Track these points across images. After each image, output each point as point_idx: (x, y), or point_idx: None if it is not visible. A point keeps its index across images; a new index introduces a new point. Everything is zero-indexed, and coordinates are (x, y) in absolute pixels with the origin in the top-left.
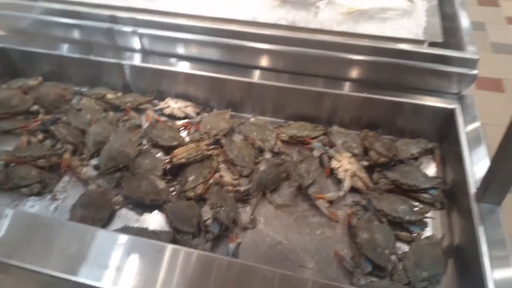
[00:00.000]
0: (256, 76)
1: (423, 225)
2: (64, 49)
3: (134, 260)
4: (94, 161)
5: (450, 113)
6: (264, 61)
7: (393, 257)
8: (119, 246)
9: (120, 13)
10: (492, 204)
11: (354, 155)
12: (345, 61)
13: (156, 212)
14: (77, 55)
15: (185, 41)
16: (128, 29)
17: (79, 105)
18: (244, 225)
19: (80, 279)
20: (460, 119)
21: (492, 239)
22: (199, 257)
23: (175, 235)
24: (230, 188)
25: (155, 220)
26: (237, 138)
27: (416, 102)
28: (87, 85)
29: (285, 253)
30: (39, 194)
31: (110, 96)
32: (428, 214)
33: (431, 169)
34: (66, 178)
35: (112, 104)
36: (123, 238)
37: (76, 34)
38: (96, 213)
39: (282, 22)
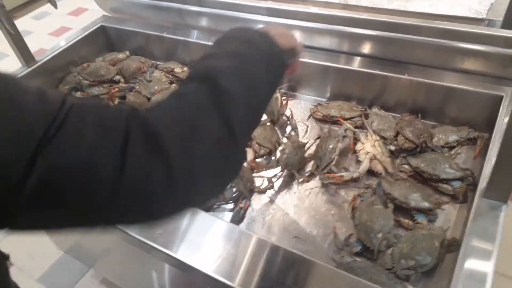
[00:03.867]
0: (303, 56)
1: (432, 216)
2: (148, 28)
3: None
4: None
5: (499, 101)
6: (310, 40)
7: (384, 242)
8: None
9: None
10: (496, 200)
11: (383, 138)
12: (390, 41)
13: None
14: (154, 33)
15: (244, 21)
16: (194, 8)
17: (151, 77)
18: (261, 189)
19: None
20: (504, 107)
21: (480, 237)
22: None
23: None
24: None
25: None
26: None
27: (462, 87)
28: (163, 59)
29: (286, 224)
30: None
31: (177, 70)
32: (445, 207)
33: (469, 160)
34: None
35: (177, 77)
36: None
37: (158, 15)
38: None
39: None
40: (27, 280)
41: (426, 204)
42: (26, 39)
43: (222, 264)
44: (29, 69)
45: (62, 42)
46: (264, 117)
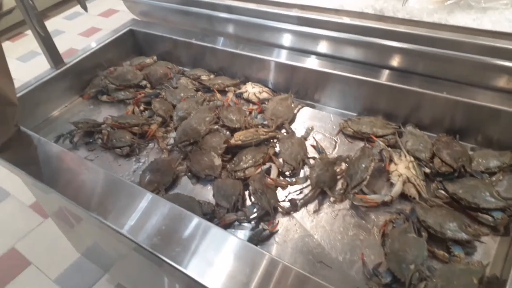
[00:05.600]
0: (333, 67)
1: (470, 248)
2: (176, 33)
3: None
4: (174, 134)
5: None
6: (341, 51)
7: (417, 274)
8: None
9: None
10: None
11: (418, 159)
12: (428, 56)
13: (209, 186)
14: (182, 39)
15: (274, 29)
16: (223, 15)
17: (177, 84)
18: (286, 209)
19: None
20: None
21: None
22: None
23: (214, 208)
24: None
25: (205, 192)
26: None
27: (506, 109)
28: (190, 66)
29: (311, 247)
30: (127, 156)
31: (204, 77)
32: (485, 239)
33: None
34: (151, 145)
35: (204, 85)
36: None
37: (187, 21)
38: (161, 178)
39: (369, 10)
40: (44, 280)
41: (464, 236)
42: (57, 38)
43: (231, 284)
44: (57, 71)
45: (92, 44)
46: (293, 127)
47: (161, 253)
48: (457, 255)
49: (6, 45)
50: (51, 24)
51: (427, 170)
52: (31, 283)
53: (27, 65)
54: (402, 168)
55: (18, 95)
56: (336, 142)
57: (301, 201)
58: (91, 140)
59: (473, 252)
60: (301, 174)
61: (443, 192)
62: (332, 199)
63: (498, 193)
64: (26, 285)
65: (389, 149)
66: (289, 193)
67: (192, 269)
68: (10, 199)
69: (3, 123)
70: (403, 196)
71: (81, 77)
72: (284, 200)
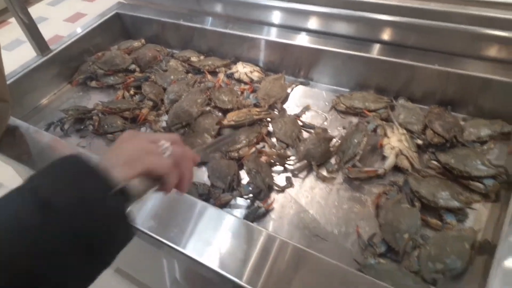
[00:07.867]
0: (324, 43)
1: (462, 216)
2: (163, 15)
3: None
4: (166, 117)
5: None
6: (331, 26)
7: (411, 243)
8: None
9: None
10: None
11: (410, 132)
12: (418, 28)
13: (204, 168)
14: (170, 20)
15: (263, 7)
16: None
17: (167, 66)
18: (281, 187)
19: None
20: None
21: None
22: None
23: (210, 188)
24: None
25: (200, 174)
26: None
27: (496, 78)
28: (179, 48)
29: (307, 222)
30: None
31: (193, 59)
32: (476, 206)
33: (502, 156)
34: (143, 129)
35: (194, 66)
36: None
37: (174, 2)
38: None
39: None
40: None
41: (456, 204)
42: (41, 25)
43: (230, 262)
44: (44, 59)
45: (78, 30)
46: (286, 106)
47: (159, 235)
48: (450, 223)
49: None
50: (34, 10)
51: (420, 142)
52: None
53: (13, 54)
54: (394, 141)
55: None
56: (328, 119)
57: (295, 177)
58: (82, 127)
59: (465, 219)
60: None
61: (435, 162)
62: (318, 176)
63: (489, 161)
64: None
65: (383, 122)
66: (283, 170)
67: (191, 249)
68: (2, 191)
69: None
70: (396, 168)
71: (68, 63)
72: (280, 174)
